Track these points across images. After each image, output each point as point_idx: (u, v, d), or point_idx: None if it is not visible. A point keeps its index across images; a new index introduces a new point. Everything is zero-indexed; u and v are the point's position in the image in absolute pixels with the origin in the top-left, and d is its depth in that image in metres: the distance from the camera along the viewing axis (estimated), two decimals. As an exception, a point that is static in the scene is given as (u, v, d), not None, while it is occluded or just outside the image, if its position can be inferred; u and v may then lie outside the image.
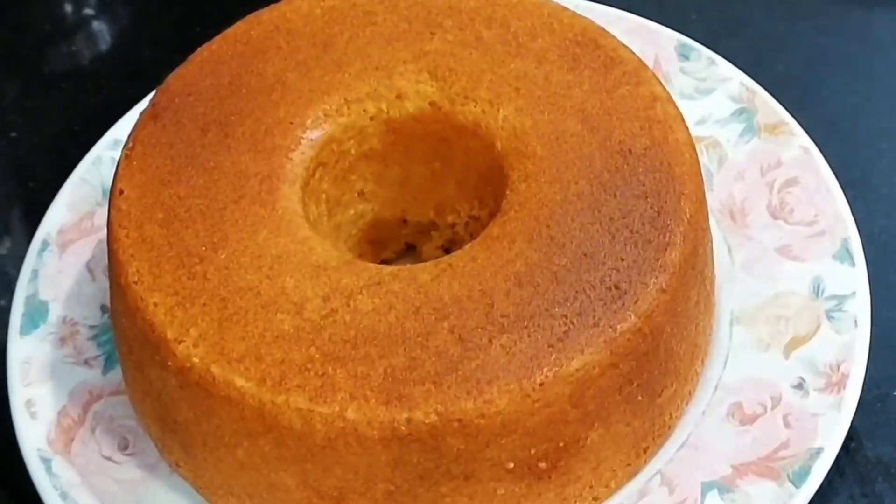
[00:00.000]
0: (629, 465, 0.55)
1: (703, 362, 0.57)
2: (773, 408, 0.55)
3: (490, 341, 0.51)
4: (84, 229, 0.63)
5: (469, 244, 0.54)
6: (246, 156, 0.56)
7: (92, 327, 0.61)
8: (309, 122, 0.57)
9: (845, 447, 0.57)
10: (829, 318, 0.57)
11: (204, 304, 0.52)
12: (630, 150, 0.55)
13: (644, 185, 0.54)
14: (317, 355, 0.51)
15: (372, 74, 0.58)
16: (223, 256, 0.54)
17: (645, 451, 0.55)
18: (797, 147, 0.62)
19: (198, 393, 0.52)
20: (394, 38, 0.59)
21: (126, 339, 0.55)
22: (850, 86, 0.71)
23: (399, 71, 0.58)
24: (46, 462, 0.56)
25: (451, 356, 0.50)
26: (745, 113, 0.64)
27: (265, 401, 0.50)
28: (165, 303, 0.53)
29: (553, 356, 0.50)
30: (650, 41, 0.66)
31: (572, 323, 0.51)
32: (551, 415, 0.50)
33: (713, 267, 0.58)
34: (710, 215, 0.58)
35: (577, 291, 0.52)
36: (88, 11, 0.76)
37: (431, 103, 0.58)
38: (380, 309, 0.52)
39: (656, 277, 0.52)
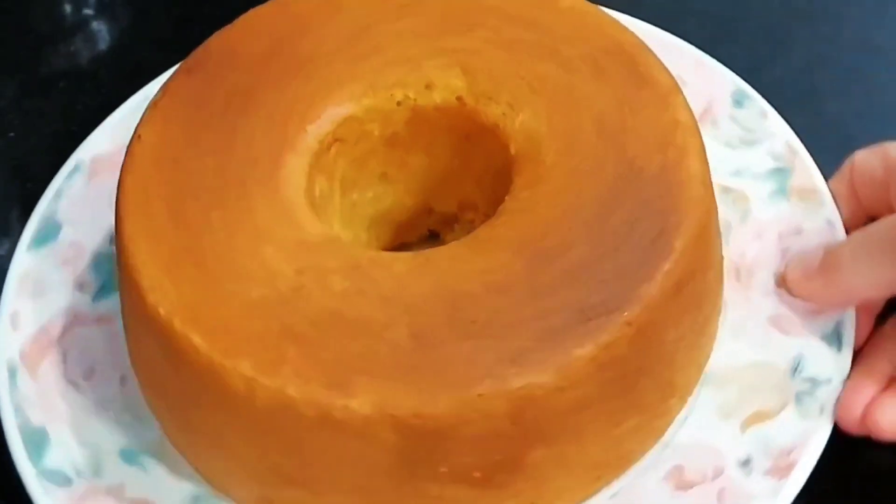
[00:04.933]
0: (581, 490, 0.54)
1: (683, 400, 0.57)
2: (712, 479, 0.54)
3: (443, 343, 0.51)
4: (115, 164, 0.64)
5: (454, 242, 0.54)
6: (263, 123, 0.57)
7: (96, 255, 0.62)
8: (332, 99, 0.58)
9: (846, 456, 0.57)
10: (798, 400, 0.56)
11: (183, 258, 0.54)
12: (640, 170, 0.54)
13: (645, 209, 0.53)
14: (275, 327, 0.52)
15: (405, 63, 0.58)
16: (214, 215, 0.55)
17: (598, 479, 0.55)
18: (822, 219, 0.60)
19: (164, 343, 0.53)
20: (433, 29, 0.59)
21: (119, 283, 0.57)
22: (847, 90, 0.70)
23: (432, 63, 0.58)
24: (13, 373, 0.59)
25: (403, 351, 0.51)
26: (781, 173, 0.62)
27: (216, 362, 0.51)
28: (152, 255, 0.54)
29: (499, 370, 0.50)
30: (707, 80, 0.65)
31: (528, 340, 0.51)
32: (487, 428, 0.50)
33: (716, 308, 0.57)
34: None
35: (543, 310, 0.51)
36: (87, 12, 0.76)
37: (458, 98, 0.58)
38: (349, 292, 0.52)
39: (626, 309, 0.51)
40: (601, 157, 0.55)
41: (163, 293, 0.53)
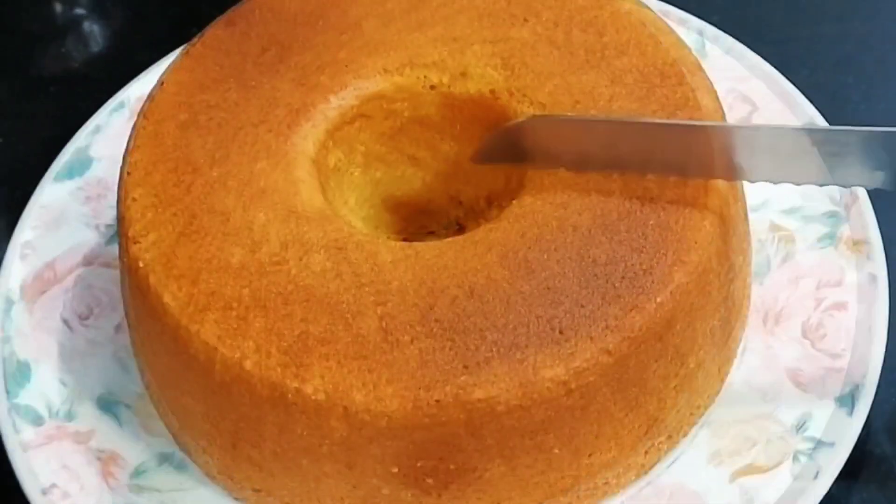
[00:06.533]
0: (543, 513, 0.52)
1: (674, 440, 0.54)
2: None
3: (412, 341, 0.49)
4: None
5: (448, 239, 0.52)
6: (288, 85, 0.56)
7: None
8: (364, 71, 0.56)
9: (864, 449, 0.55)
10: (795, 459, 0.52)
11: (174, 214, 0.52)
12: (651, 198, 0.51)
13: (645, 238, 0.51)
14: (246, 298, 0.50)
15: (447, 44, 0.56)
16: (215, 173, 0.53)
17: (566, 507, 0.52)
18: (866, 273, 0.57)
19: (140, 295, 0.52)
20: (487, 14, 0.57)
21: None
22: (875, 91, 0.68)
23: (474, 49, 0.56)
24: (9, 304, 0.58)
25: (368, 342, 0.49)
26: (835, 218, 0.58)
27: (181, 324, 0.50)
28: (143, 200, 0.53)
29: (462, 378, 0.48)
30: (782, 109, 0.62)
31: (497, 352, 0.48)
32: (443, 435, 0.48)
33: (721, 353, 0.54)
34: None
35: (518, 323, 0.49)
36: (79, 11, 0.74)
37: (492, 91, 0.56)
38: (328, 273, 0.51)
39: (605, 336, 0.49)
40: (615, 179, 0.52)
41: (145, 246, 0.52)
